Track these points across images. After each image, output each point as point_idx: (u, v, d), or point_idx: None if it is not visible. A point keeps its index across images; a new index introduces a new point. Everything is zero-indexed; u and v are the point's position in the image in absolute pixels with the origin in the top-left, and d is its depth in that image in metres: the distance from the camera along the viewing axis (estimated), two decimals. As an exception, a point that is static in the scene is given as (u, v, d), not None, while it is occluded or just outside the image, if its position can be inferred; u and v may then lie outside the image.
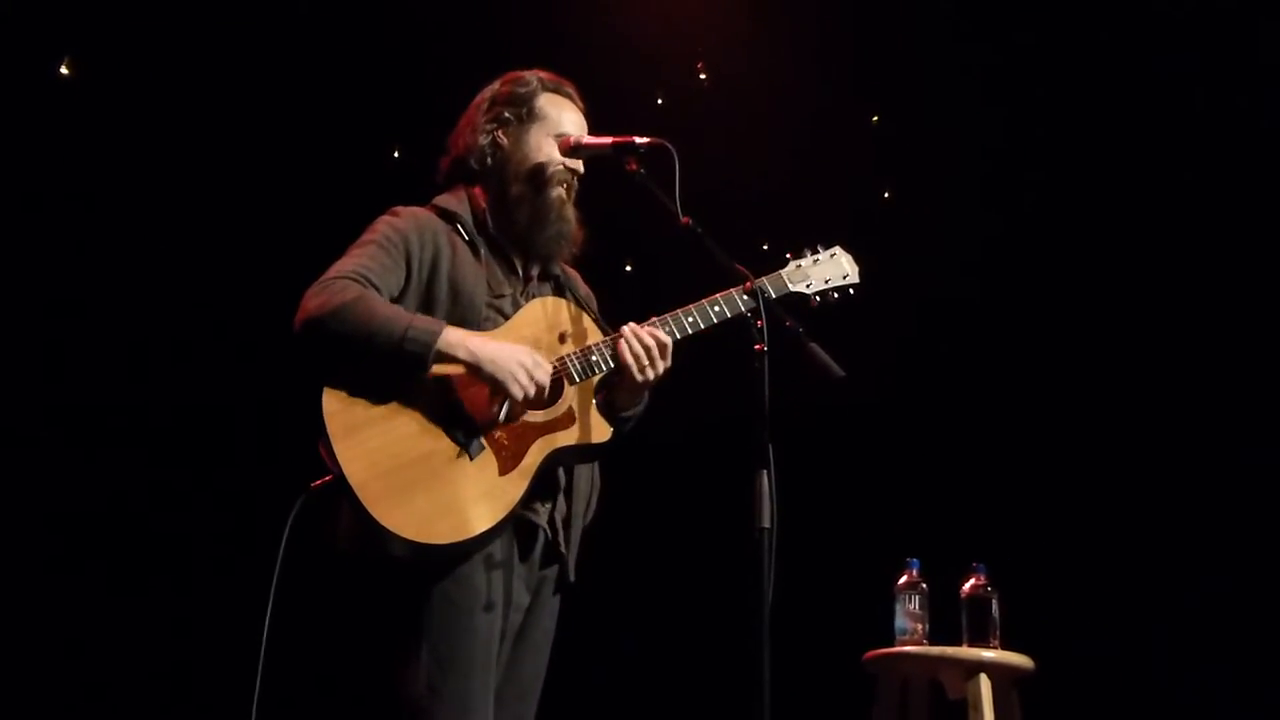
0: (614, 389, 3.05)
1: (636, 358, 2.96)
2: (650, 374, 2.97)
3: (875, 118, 5.81)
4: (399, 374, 2.82)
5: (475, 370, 2.84)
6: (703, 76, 5.70)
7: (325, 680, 4.68)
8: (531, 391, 2.85)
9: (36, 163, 4.88)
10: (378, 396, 2.83)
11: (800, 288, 3.18)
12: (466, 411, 2.87)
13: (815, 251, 3.23)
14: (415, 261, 2.97)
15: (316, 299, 2.83)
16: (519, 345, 2.89)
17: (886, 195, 5.83)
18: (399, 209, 3.06)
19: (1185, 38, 5.26)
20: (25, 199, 4.88)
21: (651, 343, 2.97)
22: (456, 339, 2.83)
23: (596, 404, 3.01)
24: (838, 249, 3.25)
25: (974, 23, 5.47)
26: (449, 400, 2.87)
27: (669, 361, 2.99)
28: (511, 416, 2.88)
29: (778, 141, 5.48)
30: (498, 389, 2.85)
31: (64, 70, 4.97)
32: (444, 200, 3.11)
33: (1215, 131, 5.32)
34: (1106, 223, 5.52)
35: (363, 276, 2.87)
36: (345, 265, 2.90)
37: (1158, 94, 5.37)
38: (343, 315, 2.80)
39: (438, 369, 2.84)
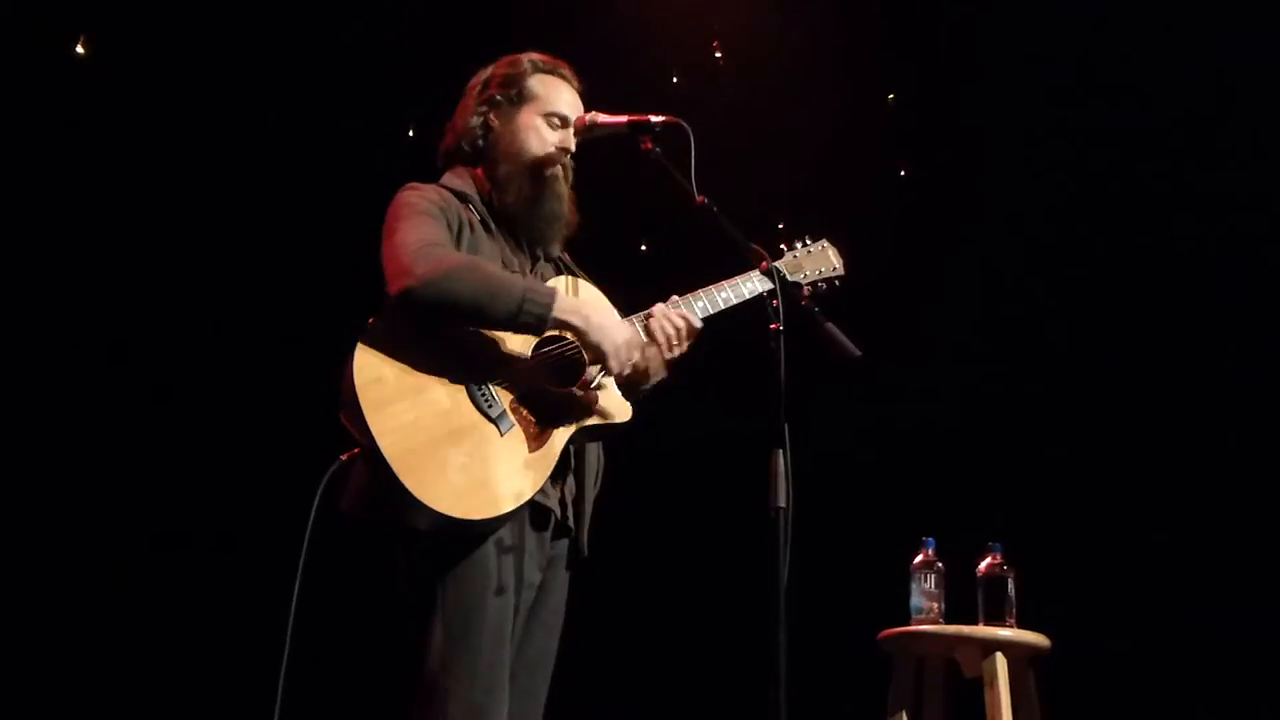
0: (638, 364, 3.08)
1: (668, 337, 3.02)
2: (676, 353, 3.05)
3: (891, 95, 5.79)
4: (512, 333, 2.90)
5: (583, 337, 2.91)
6: (718, 55, 5.69)
7: (346, 656, 4.72)
8: (626, 370, 2.94)
9: (51, 143, 4.89)
10: (409, 370, 2.84)
11: (796, 278, 3.29)
12: (498, 388, 2.89)
13: (805, 243, 3.34)
14: (450, 232, 2.99)
15: (424, 264, 2.83)
16: (624, 323, 2.98)
17: (903, 173, 5.81)
18: (417, 185, 3.07)
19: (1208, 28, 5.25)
20: (40, 179, 4.89)
21: (681, 324, 3.04)
22: (570, 305, 2.92)
23: (617, 383, 3.02)
24: (824, 241, 3.36)
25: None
26: (482, 376, 2.88)
27: (694, 340, 3.07)
28: (599, 385, 2.95)
29: (793, 119, 5.47)
30: (599, 358, 2.92)
31: (79, 49, 4.98)
32: (450, 181, 3.12)
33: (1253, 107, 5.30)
34: (1126, 199, 5.50)
35: (446, 244, 2.91)
36: (420, 236, 2.90)
37: (1180, 74, 5.34)
38: (460, 276, 2.84)
39: (439, 351, 2.86)
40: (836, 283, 3.34)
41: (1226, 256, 5.34)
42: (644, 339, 2.99)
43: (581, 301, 2.95)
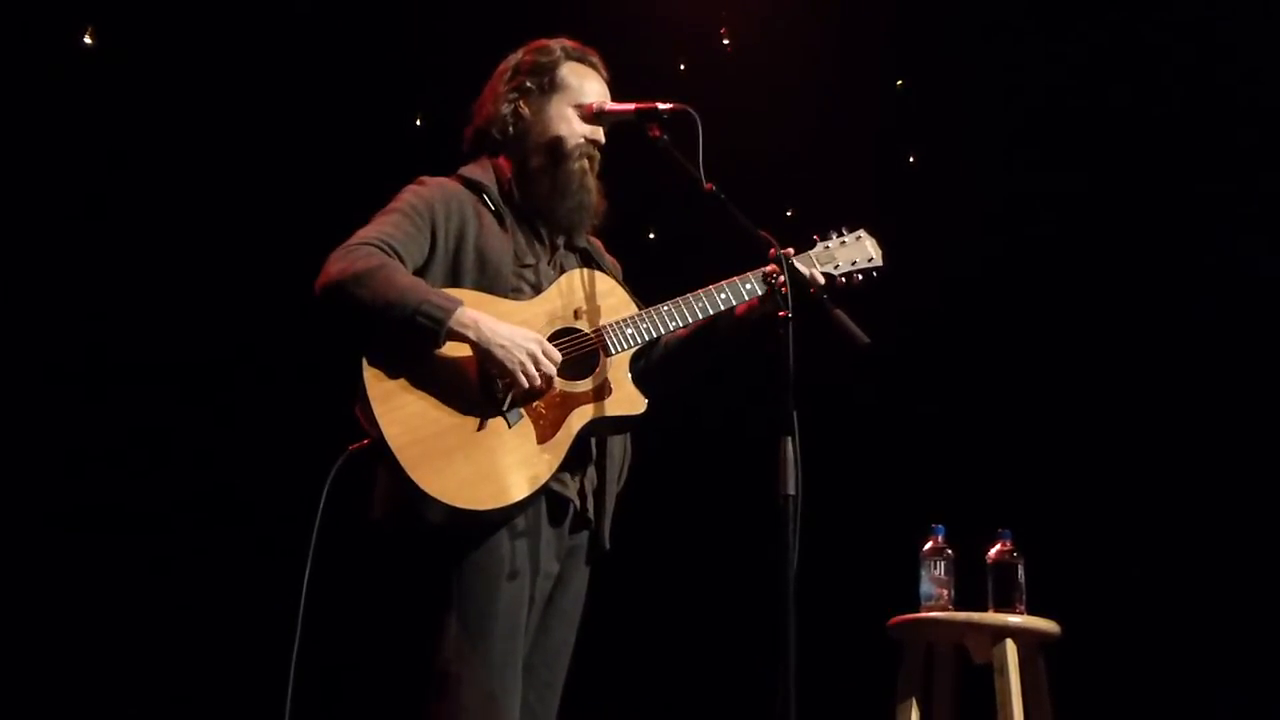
0: (717, 331, 3.11)
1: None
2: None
3: (899, 82, 5.77)
4: (416, 344, 2.83)
5: (483, 355, 2.84)
6: (725, 42, 5.68)
7: (358, 645, 4.72)
8: (538, 383, 2.85)
9: (59, 133, 4.90)
10: (419, 361, 2.85)
11: (827, 269, 3.20)
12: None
13: (841, 234, 3.25)
14: (440, 232, 2.97)
15: (339, 263, 2.84)
16: (530, 332, 2.89)
17: (911, 160, 5.80)
18: (425, 179, 3.07)
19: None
20: (49, 169, 4.90)
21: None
22: (469, 319, 2.83)
23: (632, 376, 3.02)
24: (862, 232, 3.27)
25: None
26: (488, 368, 2.87)
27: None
28: (514, 404, 2.88)
29: (801, 107, 5.45)
30: (504, 375, 2.85)
31: (87, 40, 4.98)
32: (469, 171, 3.11)
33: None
34: (1136, 185, 5.48)
35: (386, 244, 2.88)
36: (369, 232, 2.91)
37: (1196, 56, 5.32)
38: (363, 282, 2.80)
39: (453, 345, 2.85)
40: (874, 274, 3.24)
41: (1245, 243, 5.32)
42: (538, 338, 2.88)
43: (482, 316, 2.85)
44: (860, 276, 3.23)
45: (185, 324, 5.06)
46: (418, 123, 5.37)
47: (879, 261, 3.26)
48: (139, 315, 5.01)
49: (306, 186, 5.07)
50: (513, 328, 2.87)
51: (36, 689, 4.76)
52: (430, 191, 3.02)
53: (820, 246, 3.22)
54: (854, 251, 3.24)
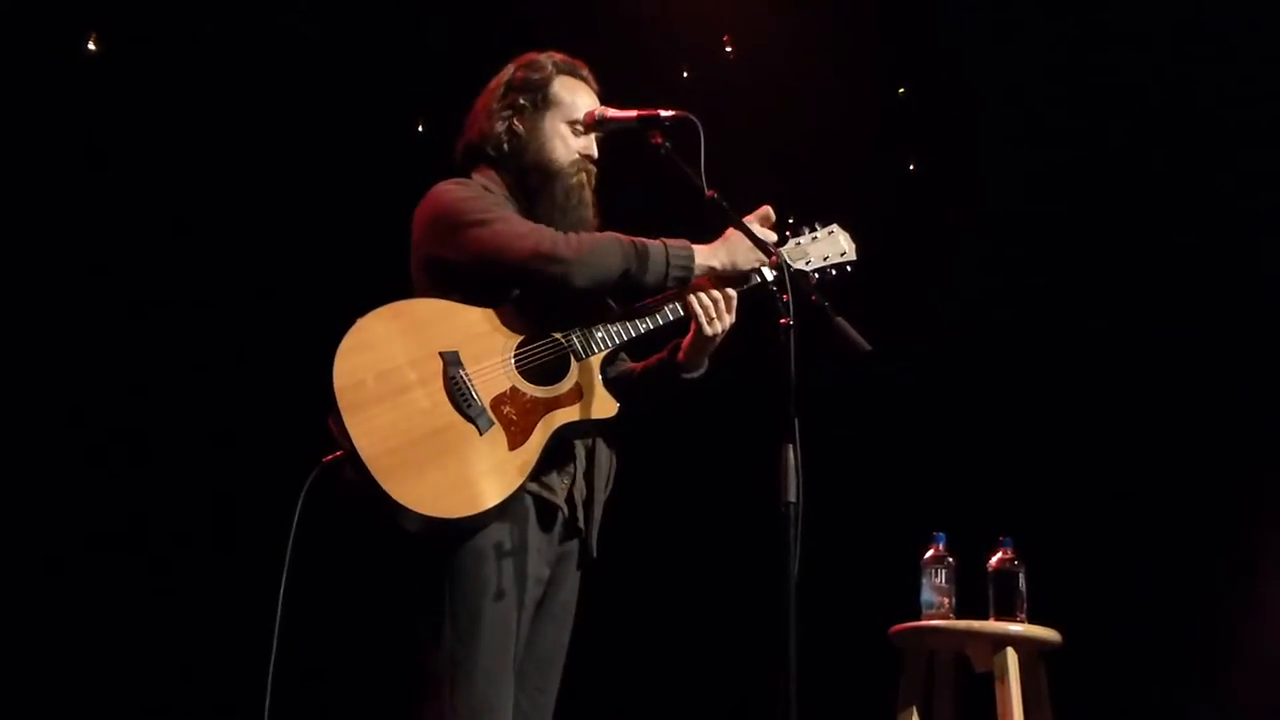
0: (680, 349, 3.09)
1: (704, 309, 3.00)
2: (718, 326, 3.02)
3: (901, 89, 5.78)
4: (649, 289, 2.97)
5: (735, 267, 2.99)
6: (728, 50, 5.68)
7: (349, 651, 4.72)
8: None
9: (61, 139, 4.90)
10: (389, 372, 2.85)
11: (800, 265, 3.19)
12: (477, 387, 2.89)
13: (813, 229, 3.25)
14: None
15: (566, 245, 2.89)
16: (725, 240, 3.02)
17: (912, 167, 5.80)
18: (460, 179, 3.08)
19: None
20: (52, 175, 4.91)
21: (719, 295, 3.01)
22: (707, 251, 3.00)
23: (602, 380, 3.02)
24: (835, 226, 3.26)
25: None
26: (459, 376, 2.88)
27: (734, 316, 3.03)
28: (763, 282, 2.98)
29: (804, 113, 5.46)
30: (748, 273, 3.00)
31: (91, 46, 4.99)
32: (482, 181, 3.11)
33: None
34: (1134, 192, 5.49)
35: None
36: (527, 222, 2.95)
37: (1200, 60, 5.33)
38: (607, 249, 2.92)
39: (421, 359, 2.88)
40: (848, 268, 3.23)
41: (1249, 252, 5.32)
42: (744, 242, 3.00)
43: (708, 246, 3.00)
44: (834, 271, 3.22)
45: (174, 331, 5.06)
46: (419, 129, 5.38)
47: (852, 255, 3.24)
48: (127, 321, 5.02)
49: (309, 189, 5.07)
50: (718, 247, 3.01)
51: (17, 702, 4.75)
52: (478, 188, 3.04)
53: (791, 242, 3.21)
54: (826, 246, 3.23)
